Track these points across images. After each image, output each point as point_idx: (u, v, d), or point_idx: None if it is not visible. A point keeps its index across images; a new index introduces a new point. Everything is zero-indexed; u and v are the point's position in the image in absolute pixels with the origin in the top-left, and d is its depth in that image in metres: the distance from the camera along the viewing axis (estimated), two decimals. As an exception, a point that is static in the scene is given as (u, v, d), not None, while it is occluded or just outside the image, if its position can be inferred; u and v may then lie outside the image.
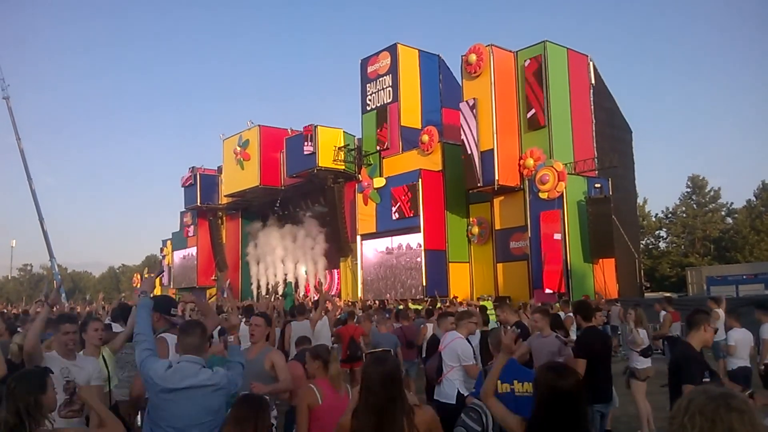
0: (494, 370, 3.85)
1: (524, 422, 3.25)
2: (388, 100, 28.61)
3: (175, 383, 3.64)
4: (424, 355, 10.41)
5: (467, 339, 6.69)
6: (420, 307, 16.67)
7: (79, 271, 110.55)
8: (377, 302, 22.10)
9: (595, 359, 5.82)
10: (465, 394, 6.14)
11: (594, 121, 24.84)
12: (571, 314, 12.43)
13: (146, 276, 4.90)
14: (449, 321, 7.32)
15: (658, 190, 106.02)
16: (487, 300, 19.44)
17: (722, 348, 12.88)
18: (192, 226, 41.12)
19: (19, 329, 8.50)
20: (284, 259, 34.08)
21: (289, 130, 33.35)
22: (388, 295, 24.84)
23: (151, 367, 3.72)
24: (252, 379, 4.76)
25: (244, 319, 9.77)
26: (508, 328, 5.56)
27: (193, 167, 38.86)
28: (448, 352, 6.49)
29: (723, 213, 50.46)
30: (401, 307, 15.96)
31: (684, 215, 50.35)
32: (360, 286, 27.74)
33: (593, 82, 25.28)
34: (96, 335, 5.50)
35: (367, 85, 29.79)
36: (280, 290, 29.56)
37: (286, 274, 33.15)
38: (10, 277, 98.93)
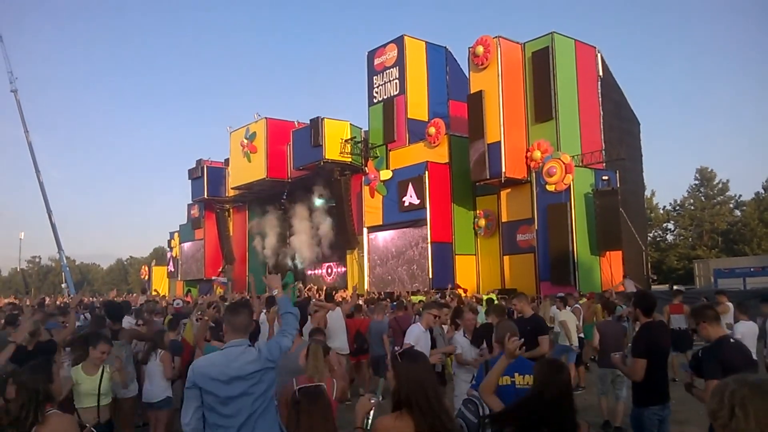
0: (495, 370, 3.94)
1: None
2: (395, 93, 28.54)
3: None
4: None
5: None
6: (423, 299, 16.73)
7: (88, 263, 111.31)
8: (383, 294, 22.15)
9: (655, 358, 5.34)
10: None
11: (602, 113, 24.71)
12: (578, 306, 12.45)
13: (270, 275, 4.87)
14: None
15: (666, 182, 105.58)
16: (491, 293, 19.38)
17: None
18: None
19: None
20: (290, 251, 34.20)
21: (295, 123, 33.34)
22: (395, 288, 24.85)
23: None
24: (288, 374, 4.83)
25: (265, 310, 9.78)
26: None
27: (200, 159, 38.94)
28: (405, 340, 7.04)
29: (731, 205, 50.26)
30: (404, 299, 16.05)
31: (692, 207, 50.17)
32: (366, 278, 27.77)
33: (601, 73, 25.14)
34: (99, 358, 5.70)
35: (374, 77, 29.72)
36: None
37: (289, 267, 33.21)
38: (19, 269, 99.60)
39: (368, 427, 3.29)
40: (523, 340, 4.27)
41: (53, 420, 3.32)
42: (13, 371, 3.56)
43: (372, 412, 3.34)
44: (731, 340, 4.79)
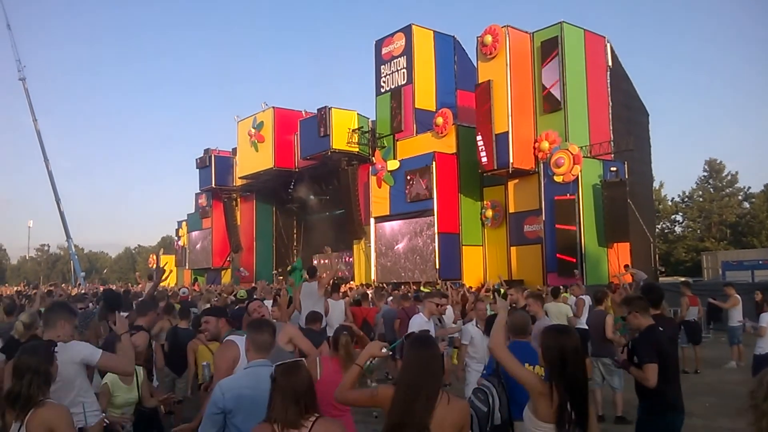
0: (498, 321, 3.83)
1: (538, 375, 3.36)
2: (403, 82, 28.43)
3: None
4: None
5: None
6: (429, 290, 16.73)
7: (96, 251, 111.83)
8: (388, 285, 22.15)
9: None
10: None
11: (610, 103, 24.55)
12: (583, 297, 12.44)
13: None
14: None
15: (674, 173, 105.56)
16: (498, 285, 19.31)
17: (741, 332, 12.82)
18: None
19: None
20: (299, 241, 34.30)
21: (303, 112, 33.32)
22: (402, 278, 24.88)
23: None
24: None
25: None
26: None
27: (207, 149, 38.98)
28: (408, 329, 6.98)
29: (740, 197, 50.04)
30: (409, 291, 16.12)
31: (700, 199, 49.98)
32: (373, 268, 27.78)
33: (610, 64, 24.96)
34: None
35: (382, 66, 29.61)
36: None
37: (296, 251, 33.30)
38: (27, 257, 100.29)
39: (367, 369, 3.38)
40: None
41: (49, 406, 3.34)
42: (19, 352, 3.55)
43: (376, 361, 3.42)
44: (659, 329, 5.14)
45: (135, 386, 5.20)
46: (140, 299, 9.84)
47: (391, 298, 13.68)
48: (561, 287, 12.73)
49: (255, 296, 10.91)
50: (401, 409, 3.02)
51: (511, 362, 3.48)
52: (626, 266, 21.61)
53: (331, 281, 10.42)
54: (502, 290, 15.45)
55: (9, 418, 3.33)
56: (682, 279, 22.06)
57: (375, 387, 3.33)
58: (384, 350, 3.46)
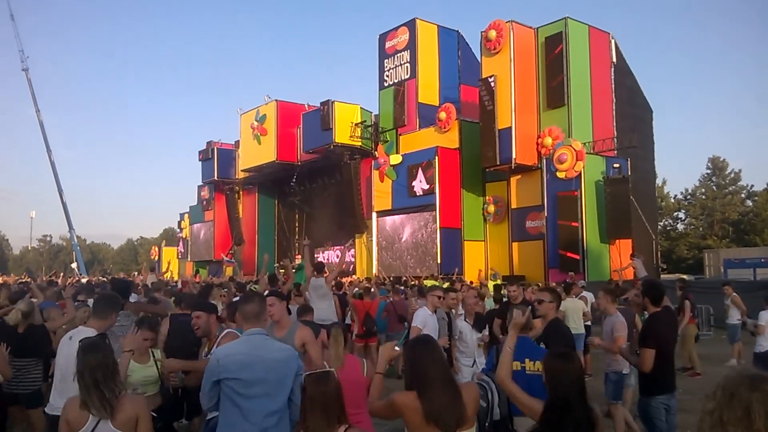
0: (507, 350, 3.87)
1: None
2: (406, 76, 28.37)
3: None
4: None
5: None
6: (436, 283, 16.73)
7: (98, 242, 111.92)
8: (391, 278, 22.16)
9: (662, 348, 5.37)
10: None
11: (614, 100, 24.51)
12: (585, 295, 12.42)
13: None
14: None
15: (677, 171, 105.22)
16: (496, 280, 19.29)
17: (740, 330, 12.82)
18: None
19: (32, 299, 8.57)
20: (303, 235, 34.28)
21: (306, 106, 33.27)
22: (395, 273, 24.88)
23: None
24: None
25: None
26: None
27: (210, 141, 38.96)
28: (413, 323, 7.03)
29: (743, 195, 49.98)
30: (411, 283, 16.10)
31: (703, 197, 49.93)
32: (375, 262, 27.79)
33: (614, 60, 24.89)
34: (143, 345, 5.22)
35: (385, 60, 29.53)
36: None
37: (298, 245, 33.30)
38: (30, 248, 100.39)
39: (390, 373, 3.48)
40: (529, 308, 4.53)
41: (129, 397, 3.39)
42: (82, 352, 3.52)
43: (393, 362, 3.51)
44: (561, 321, 5.76)
45: (152, 365, 5.18)
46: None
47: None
48: (572, 282, 12.72)
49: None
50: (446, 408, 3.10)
51: (519, 394, 3.54)
52: (632, 255, 21.54)
53: (336, 277, 10.43)
54: (499, 281, 15.45)
55: (74, 414, 3.31)
56: (682, 276, 22.04)
57: (388, 397, 3.37)
58: (397, 348, 3.59)
